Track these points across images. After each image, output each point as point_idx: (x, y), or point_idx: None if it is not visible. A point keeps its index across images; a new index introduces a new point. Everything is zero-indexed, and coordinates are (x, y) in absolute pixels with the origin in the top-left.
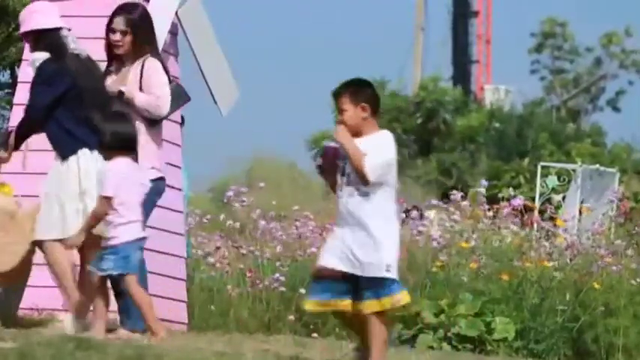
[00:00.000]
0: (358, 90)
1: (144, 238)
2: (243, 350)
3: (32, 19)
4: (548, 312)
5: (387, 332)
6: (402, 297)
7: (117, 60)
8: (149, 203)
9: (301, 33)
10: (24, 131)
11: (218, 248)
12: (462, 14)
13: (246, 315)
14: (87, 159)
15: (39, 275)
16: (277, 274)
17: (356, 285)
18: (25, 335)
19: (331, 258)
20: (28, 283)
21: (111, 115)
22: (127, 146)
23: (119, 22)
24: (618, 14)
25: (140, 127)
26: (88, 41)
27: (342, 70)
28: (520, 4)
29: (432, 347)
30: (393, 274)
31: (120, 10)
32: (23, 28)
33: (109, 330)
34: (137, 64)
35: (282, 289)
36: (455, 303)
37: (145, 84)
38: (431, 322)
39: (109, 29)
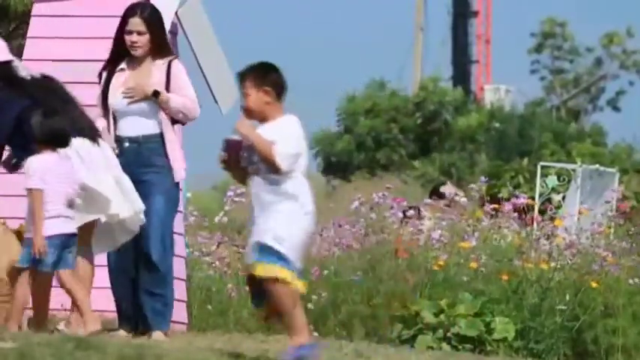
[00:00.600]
0: (261, 74)
1: (69, 235)
2: (242, 350)
3: None
4: (548, 312)
5: (286, 304)
6: (279, 271)
7: (130, 59)
8: (174, 204)
9: (301, 33)
10: None
11: (219, 244)
12: (461, 14)
13: (245, 315)
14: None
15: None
16: None
17: None
18: (25, 335)
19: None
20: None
21: (49, 111)
22: (56, 141)
23: (136, 23)
24: (618, 14)
25: (170, 128)
26: (85, 41)
27: (342, 69)
28: (520, 4)
29: (431, 347)
30: (280, 247)
31: (133, 11)
32: None
33: (110, 330)
34: (161, 65)
35: None
36: (454, 303)
37: (175, 86)
38: (430, 322)
39: (125, 31)
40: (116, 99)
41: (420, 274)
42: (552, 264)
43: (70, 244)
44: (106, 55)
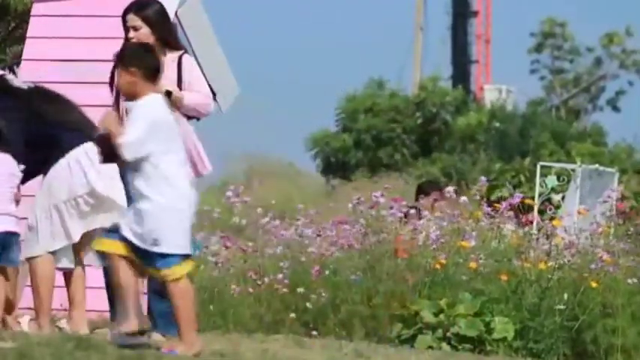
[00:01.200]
0: (128, 55)
1: (9, 233)
2: (242, 350)
3: None
4: (547, 312)
5: (182, 303)
6: (171, 272)
7: None
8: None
9: (301, 33)
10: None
11: (226, 246)
12: (461, 14)
13: (245, 315)
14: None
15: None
16: (277, 274)
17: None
18: (25, 335)
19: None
20: (28, 283)
21: None
22: None
23: (131, 19)
24: (618, 14)
25: (186, 126)
26: (86, 41)
27: (341, 69)
28: (519, 4)
29: (431, 347)
30: (161, 248)
31: (128, 9)
32: None
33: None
34: (170, 61)
35: (282, 288)
36: (454, 303)
37: (187, 82)
38: (430, 322)
39: (125, 28)
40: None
41: (420, 273)
42: (551, 264)
43: (11, 242)
44: (105, 55)
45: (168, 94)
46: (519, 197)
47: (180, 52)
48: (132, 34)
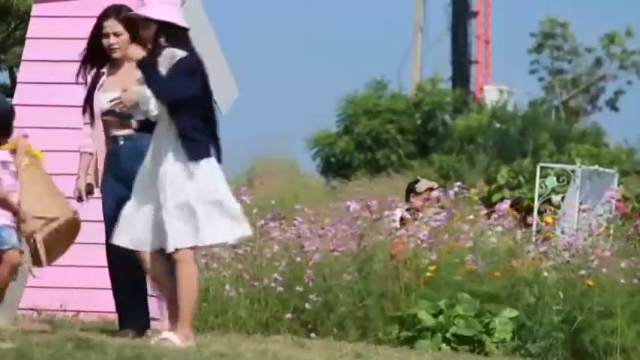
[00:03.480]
0: None
1: None
2: (241, 350)
3: (168, 11)
4: (546, 312)
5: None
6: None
7: (111, 62)
8: None
9: (300, 33)
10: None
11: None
12: (461, 14)
13: (244, 315)
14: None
15: (39, 276)
16: (275, 274)
17: None
18: (24, 335)
19: None
20: (28, 284)
21: None
22: None
23: (112, 25)
24: (618, 15)
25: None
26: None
27: (341, 70)
28: (519, 5)
29: (430, 348)
30: None
31: (106, 14)
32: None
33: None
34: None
35: (280, 289)
36: (453, 304)
37: None
38: (429, 323)
39: (102, 34)
40: (102, 104)
41: (416, 274)
42: (549, 264)
43: None
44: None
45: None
46: (506, 204)
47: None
48: (113, 39)
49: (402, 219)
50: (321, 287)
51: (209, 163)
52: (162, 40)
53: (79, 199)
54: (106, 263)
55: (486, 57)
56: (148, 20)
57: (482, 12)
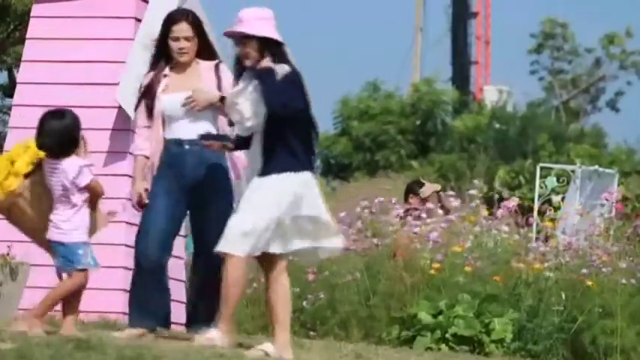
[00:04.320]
0: None
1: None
2: (241, 351)
3: (266, 26)
4: (546, 313)
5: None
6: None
7: (173, 64)
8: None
9: (300, 34)
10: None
11: None
12: (461, 15)
13: (244, 316)
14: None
15: (39, 276)
16: None
17: None
18: (24, 336)
19: None
20: (28, 284)
21: None
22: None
23: (183, 29)
24: (618, 15)
25: (228, 129)
26: (97, 42)
27: (341, 70)
28: (519, 5)
29: (430, 348)
30: None
31: (177, 17)
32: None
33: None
34: (207, 69)
35: None
36: (453, 304)
37: (224, 88)
38: (429, 323)
39: (171, 38)
40: (171, 105)
41: (418, 275)
42: (549, 264)
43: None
44: (105, 57)
45: (223, 99)
46: (514, 202)
47: (217, 59)
48: (184, 43)
49: (401, 218)
50: (325, 286)
51: (307, 176)
52: (267, 56)
53: (139, 203)
54: (106, 263)
55: (486, 57)
56: (248, 37)
57: (482, 12)
